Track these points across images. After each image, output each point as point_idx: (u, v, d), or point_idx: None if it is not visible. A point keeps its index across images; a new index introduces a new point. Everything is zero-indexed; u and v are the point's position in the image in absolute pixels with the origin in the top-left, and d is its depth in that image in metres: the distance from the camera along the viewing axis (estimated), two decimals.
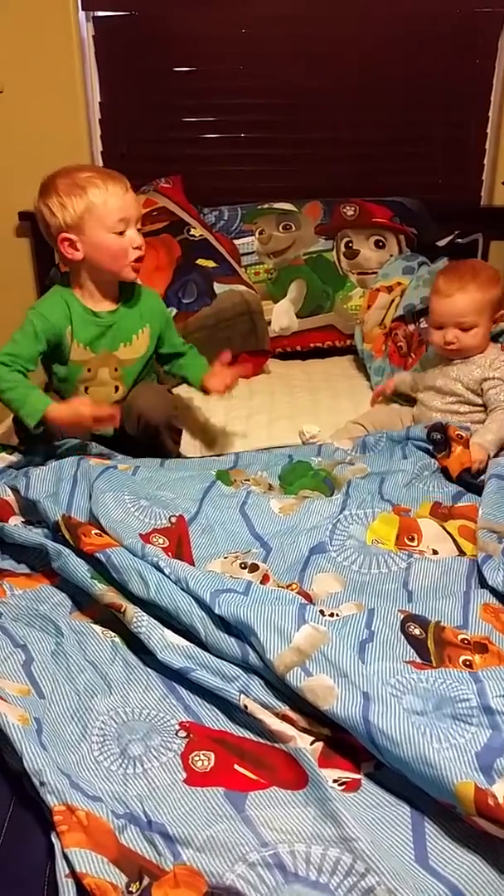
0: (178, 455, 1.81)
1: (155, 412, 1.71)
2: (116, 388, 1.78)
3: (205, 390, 1.83)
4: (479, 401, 1.78)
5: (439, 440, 1.64)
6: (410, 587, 1.29)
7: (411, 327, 2.11)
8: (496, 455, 1.63)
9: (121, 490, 1.44)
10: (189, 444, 1.89)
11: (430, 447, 1.65)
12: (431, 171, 2.62)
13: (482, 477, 1.55)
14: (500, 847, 0.86)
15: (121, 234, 1.65)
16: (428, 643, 1.11)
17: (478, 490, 1.52)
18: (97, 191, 1.63)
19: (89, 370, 1.75)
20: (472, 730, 0.94)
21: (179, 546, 1.38)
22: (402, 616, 1.15)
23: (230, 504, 1.50)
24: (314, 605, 1.22)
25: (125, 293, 1.76)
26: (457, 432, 1.62)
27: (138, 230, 1.69)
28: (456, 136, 2.60)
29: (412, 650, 1.10)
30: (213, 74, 2.50)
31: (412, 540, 1.40)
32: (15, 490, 1.47)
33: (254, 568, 1.33)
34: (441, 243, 2.49)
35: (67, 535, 1.30)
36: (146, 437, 1.72)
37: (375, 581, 1.31)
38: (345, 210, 2.41)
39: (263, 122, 2.55)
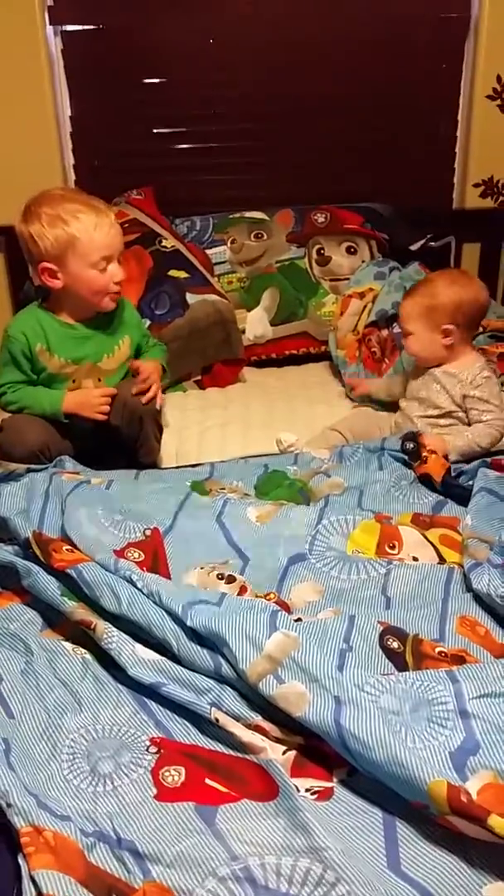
0: (156, 456, 1.84)
1: (139, 401, 1.75)
2: None
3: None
4: (460, 414, 1.77)
5: (412, 449, 1.64)
6: (389, 593, 1.29)
7: (384, 332, 2.12)
8: (457, 462, 1.64)
9: (94, 505, 1.44)
10: (164, 454, 1.89)
11: (406, 458, 1.65)
12: (403, 175, 2.63)
13: (462, 480, 1.56)
14: (472, 849, 0.86)
15: (102, 269, 1.66)
16: (406, 656, 1.12)
17: (458, 499, 1.53)
18: (82, 226, 1.63)
19: (73, 381, 1.78)
20: (447, 732, 0.95)
21: (155, 559, 1.37)
22: (381, 629, 1.16)
23: (206, 514, 1.50)
24: (292, 614, 1.22)
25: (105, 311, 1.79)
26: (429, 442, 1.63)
27: (119, 262, 1.71)
28: (427, 140, 2.62)
29: (390, 664, 1.10)
30: (182, 85, 2.50)
31: (393, 548, 1.41)
32: None
33: (231, 580, 1.33)
34: (414, 247, 2.50)
35: (38, 552, 1.29)
36: (131, 427, 1.74)
37: (354, 587, 1.31)
38: (316, 217, 2.42)
39: (233, 131, 2.55)
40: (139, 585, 1.20)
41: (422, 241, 2.50)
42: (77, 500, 1.44)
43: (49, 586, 1.22)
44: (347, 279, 2.36)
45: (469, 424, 1.76)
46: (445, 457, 1.63)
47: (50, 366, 1.74)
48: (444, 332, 1.75)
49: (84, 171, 2.57)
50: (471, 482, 1.53)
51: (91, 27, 2.46)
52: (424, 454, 1.60)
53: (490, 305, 2.30)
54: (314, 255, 2.40)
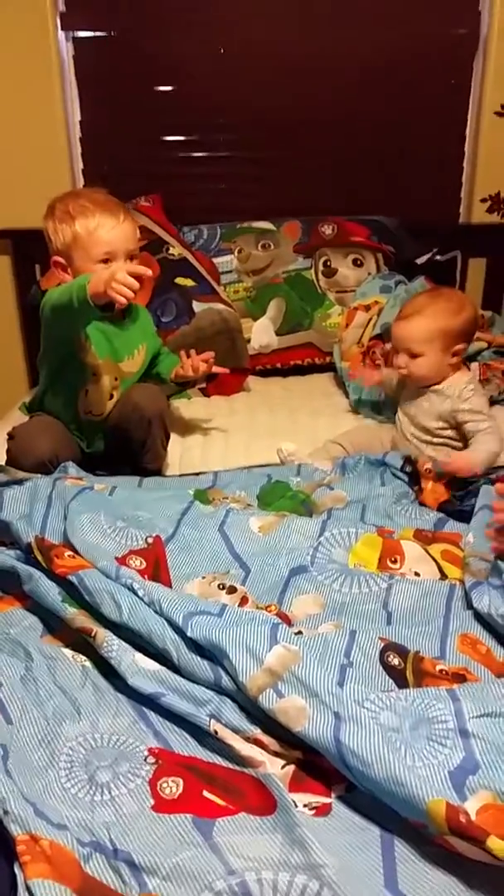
0: (161, 462, 1.84)
1: (149, 403, 1.77)
2: (111, 396, 1.82)
3: (176, 382, 1.92)
4: (450, 433, 1.77)
5: (411, 473, 1.65)
6: (390, 608, 1.29)
7: (388, 345, 2.12)
8: (486, 474, 1.63)
9: (97, 511, 1.43)
10: (167, 462, 1.89)
11: (406, 479, 1.65)
12: (411, 189, 2.64)
13: (470, 502, 1.55)
14: (470, 869, 0.86)
15: (106, 265, 1.66)
16: (407, 673, 1.11)
17: (460, 517, 1.52)
18: (85, 221, 1.66)
19: (94, 374, 1.79)
20: (446, 751, 0.94)
21: (157, 567, 1.37)
22: (382, 645, 1.15)
23: (208, 524, 1.49)
24: (292, 626, 1.22)
25: (126, 309, 1.80)
26: (426, 467, 1.62)
27: (131, 260, 1.70)
28: (434, 155, 2.63)
29: (391, 680, 1.10)
30: (192, 93, 2.52)
31: (395, 562, 1.40)
32: None
33: (232, 590, 1.32)
34: (420, 261, 2.51)
35: (40, 557, 1.29)
36: (139, 429, 1.75)
37: (356, 601, 1.31)
38: (323, 229, 2.43)
39: (242, 140, 2.57)
40: (140, 594, 1.19)
41: (428, 255, 2.51)
42: (80, 505, 1.43)
43: (50, 592, 1.22)
44: (353, 291, 2.37)
45: (462, 440, 1.75)
46: (449, 482, 1.61)
47: (80, 350, 1.75)
48: (455, 352, 1.74)
49: (93, 177, 2.58)
50: (474, 500, 1.53)
51: (102, 34, 2.48)
52: (422, 485, 1.60)
53: (496, 321, 2.32)
54: (320, 267, 2.41)
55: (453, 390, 1.75)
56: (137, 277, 1.49)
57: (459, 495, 1.59)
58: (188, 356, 1.93)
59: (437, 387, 1.77)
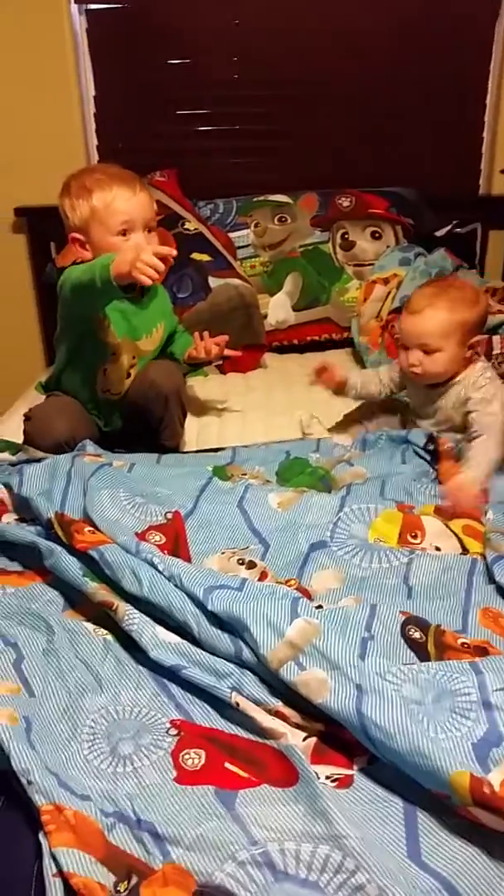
0: (179, 439, 1.84)
1: (166, 380, 1.76)
2: (129, 375, 1.82)
3: (191, 363, 1.92)
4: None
5: (433, 451, 1.62)
6: (411, 582, 1.28)
7: None
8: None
9: (116, 487, 1.44)
10: (185, 439, 1.88)
11: (428, 457, 1.63)
12: (430, 160, 2.60)
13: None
14: (493, 841, 0.85)
15: (125, 236, 1.65)
16: (428, 646, 1.11)
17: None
18: (101, 193, 1.65)
19: (114, 353, 1.79)
20: (469, 724, 0.94)
21: (176, 543, 1.37)
22: (403, 618, 1.14)
23: (227, 500, 1.49)
24: (313, 601, 1.22)
25: (145, 288, 1.78)
26: (447, 444, 1.59)
27: (149, 232, 1.69)
28: (454, 125, 2.58)
29: (412, 653, 1.09)
30: (206, 66, 2.48)
31: (415, 537, 1.39)
32: (8, 487, 1.47)
33: (251, 565, 1.32)
34: (440, 233, 2.47)
35: (60, 533, 1.29)
36: (156, 406, 1.75)
37: (376, 576, 1.30)
38: (341, 201, 2.40)
39: (258, 113, 2.53)
40: (160, 568, 1.19)
41: (448, 227, 2.48)
42: (99, 482, 1.44)
43: (71, 567, 1.23)
44: (372, 264, 2.34)
45: (465, 430, 1.63)
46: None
47: (99, 329, 1.74)
48: (472, 345, 1.63)
49: (107, 152, 2.56)
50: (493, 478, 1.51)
51: (116, 6, 2.44)
52: (443, 462, 1.57)
53: None
54: (338, 240, 2.38)
55: (468, 379, 1.64)
56: (163, 259, 1.48)
57: None
58: (202, 338, 1.91)
59: (452, 381, 1.65)
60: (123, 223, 1.65)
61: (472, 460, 1.53)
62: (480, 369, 1.65)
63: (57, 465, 1.49)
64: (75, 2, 2.40)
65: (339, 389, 1.81)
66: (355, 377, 1.81)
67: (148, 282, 1.48)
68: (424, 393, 1.68)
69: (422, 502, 1.49)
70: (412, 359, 1.62)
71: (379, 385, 1.80)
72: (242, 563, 1.32)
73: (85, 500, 1.38)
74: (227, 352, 1.93)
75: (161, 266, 1.47)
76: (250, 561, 1.33)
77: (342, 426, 1.82)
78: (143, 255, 1.45)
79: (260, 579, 1.28)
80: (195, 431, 1.92)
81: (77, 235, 1.70)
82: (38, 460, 1.55)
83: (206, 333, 1.92)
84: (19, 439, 1.75)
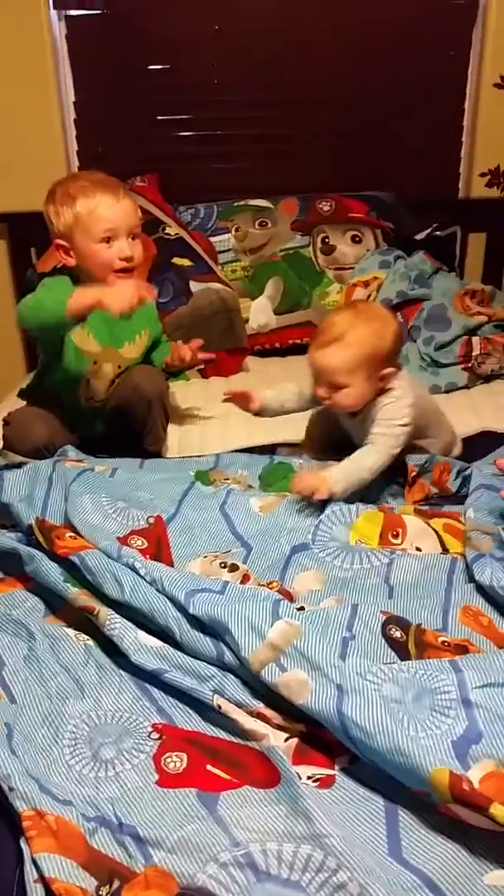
0: (162, 444, 1.83)
1: (149, 384, 1.77)
2: (113, 382, 1.82)
3: (166, 370, 1.90)
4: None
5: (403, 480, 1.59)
6: (392, 582, 1.29)
7: None
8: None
9: (97, 492, 1.44)
10: (168, 444, 1.88)
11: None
12: (409, 164, 2.61)
13: (464, 490, 1.53)
14: (474, 837, 0.86)
15: (108, 243, 1.66)
16: (409, 645, 1.12)
17: (455, 500, 1.52)
18: (85, 200, 1.66)
19: (95, 363, 1.78)
20: (449, 721, 0.95)
21: (158, 547, 1.37)
22: (384, 618, 1.15)
23: (210, 504, 1.50)
24: (295, 602, 1.22)
25: None
26: (413, 472, 1.56)
27: (133, 238, 1.70)
28: (433, 129, 2.60)
29: (393, 653, 1.10)
30: (187, 72, 2.48)
31: (396, 536, 1.40)
32: None
33: (233, 568, 1.33)
34: (419, 237, 2.49)
35: (41, 539, 1.29)
36: (139, 410, 1.75)
37: (357, 576, 1.31)
38: (321, 206, 2.41)
39: (238, 118, 2.54)
40: (142, 573, 1.20)
41: (427, 231, 2.49)
42: (80, 487, 1.44)
43: (52, 573, 1.23)
44: (352, 268, 2.36)
45: (420, 436, 1.59)
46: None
47: (78, 339, 1.75)
48: (384, 376, 1.51)
49: (88, 157, 2.55)
50: (467, 488, 1.51)
51: (96, 12, 2.44)
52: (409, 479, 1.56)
53: (496, 295, 2.30)
54: (319, 244, 2.39)
55: (379, 405, 1.53)
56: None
57: (457, 484, 1.57)
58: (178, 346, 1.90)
59: (368, 406, 1.54)
60: (107, 230, 1.66)
61: (345, 461, 1.50)
62: (392, 397, 1.53)
63: (38, 470, 1.49)
64: (54, 8, 2.40)
65: (258, 412, 1.70)
66: (270, 398, 1.68)
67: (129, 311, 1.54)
68: (345, 415, 1.61)
69: (401, 503, 1.50)
70: (321, 392, 1.54)
71: (298, 401, 1.68)
72: (224, 567, 1.33)
73: (66, 506, 1.38)
74: (200, 355, 1.92)
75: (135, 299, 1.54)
76: (232, 564, 1.33)
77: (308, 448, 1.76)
78: (124, 289, 1.54)
79: (242, 582, 1.29)
80: (177, 436, 1.92)
81: (61, 242, 1.70)
82: (18, 465, 1.55)
83: (179, 342, 1.92)
84: None
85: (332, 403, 1.54)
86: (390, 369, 1.51)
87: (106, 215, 1.65)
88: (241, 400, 1.69)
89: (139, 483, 1.55)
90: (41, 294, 1.63)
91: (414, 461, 1.56)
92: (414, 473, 1.55)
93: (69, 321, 1.58)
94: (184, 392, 2.13)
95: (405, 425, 1.51)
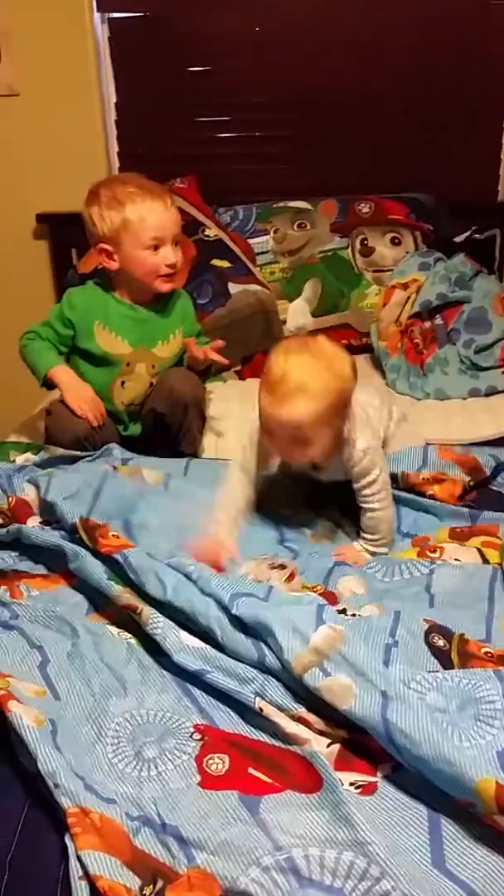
0: (198, 445, 1.84)
1: (185, 387, 1.77)
2: (151, 384, 1.82)
3: (190, 366, 1.88)
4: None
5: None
6: (433, 590, 1.28)
7: (427, 324, 2.10)
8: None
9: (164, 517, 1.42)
10: (204, 444, 1.89)
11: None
12: (449, 166, 2.59)
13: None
14: None
15: (155, 250, 1.68)
16: (451, 654, 1.11)
17: (492, 506, 1.50)
18: (135, 207, 1.67)
19: (128, 364, 1.79)
20: (494, 731, 0.94)
21: None
22: (426, 626, 1.14)
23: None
24: (338, 604, 1.22)
25: (163, 294, 1.80)
26: (421, 477, 1.54)
27: (176, 245, 1.72)
28: (473, 131, 2.57)
29: (436, 661, 1.09)
30: (227, 74, 2.49)
31: (434, 552, 1.39)
32: (36, 487, 1.48)
33: (281, 567, 1.33)
34: (458, 239, 2.46)
35: (85, 537, 1.31)
36: (175, 414, 1.75)
37: (398, 587, 1.31)
38: (360, 207, 2.40)
39: (278, 120, 2.53)
40: (190, 569, 1.20)
41: (467, 233, 2.46)
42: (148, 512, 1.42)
43: (96, 570, 1.24)
44: (391, 270, 2.34)
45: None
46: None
47: (105, 344, 1.76)
48: (344, 418, 1.36)
49: (128, 158, 2.57)
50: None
51: (138, 14, 2.46)
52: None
53: None
54: (358, 246, 2.38)
55: (345, 454, 1.39)
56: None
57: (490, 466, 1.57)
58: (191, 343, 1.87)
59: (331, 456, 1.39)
60: (155, 238, 1.68)
61: (363, 534, 1.42)
62: (356, 450, 1.38)
63: (87, 472, 1.51)
64: (98, 10, 2.42)
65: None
66: (233, 534, 1.42)
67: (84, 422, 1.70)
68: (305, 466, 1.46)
69: (435, 529, 1.47)
70: (283, 453, 1.39)
71: (249, 505, 1.47)
72: (274, 567, 1.33)
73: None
74: (213, 356, 1.82)
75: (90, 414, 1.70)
76: (281, 563, 1.34)
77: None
78: (84, 394, 1.71)
79: (288, 579, 1.29)
80: (213, 436, 1.92)
81: (105, 246, 1.71)
82: (61, 458, 1.56)
83: (192, 339, 1.87)
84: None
85: (293, 460, 1.39)
86: (349, 408, 1.35)
87: (155, 223, 1.67)
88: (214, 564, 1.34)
89: (193, 495, 1.49)
90: (34, 354, 1.76)
91: None
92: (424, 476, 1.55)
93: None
94: (221, 392, 2.13)
95: (381, 469, 1.40)
